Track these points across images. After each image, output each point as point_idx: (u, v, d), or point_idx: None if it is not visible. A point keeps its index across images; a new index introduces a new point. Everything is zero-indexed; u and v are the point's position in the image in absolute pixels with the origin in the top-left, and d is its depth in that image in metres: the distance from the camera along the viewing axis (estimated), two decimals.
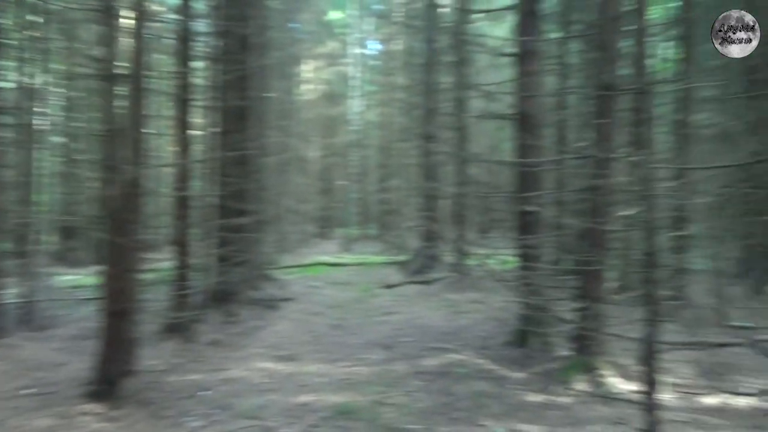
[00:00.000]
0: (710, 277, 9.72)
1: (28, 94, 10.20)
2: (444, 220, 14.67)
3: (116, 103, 5.92)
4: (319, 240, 26.06)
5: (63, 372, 6.65)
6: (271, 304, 10.25)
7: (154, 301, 7.74)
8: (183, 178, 8.71)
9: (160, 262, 8.91)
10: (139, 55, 6.28)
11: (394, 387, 6.13)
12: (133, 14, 6.36)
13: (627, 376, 6.00)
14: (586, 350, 6.22)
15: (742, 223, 10.99)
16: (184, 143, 8.67)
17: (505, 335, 7.66)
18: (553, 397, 5.77)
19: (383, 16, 25.55)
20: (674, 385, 5.91)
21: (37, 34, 10.83)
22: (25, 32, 10.40)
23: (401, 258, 16.52)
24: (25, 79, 10.33)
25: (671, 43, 11.80)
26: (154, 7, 9.32)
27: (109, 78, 5.83)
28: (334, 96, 29.38)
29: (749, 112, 10.76)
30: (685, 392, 5.63)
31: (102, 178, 5.98)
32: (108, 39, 5.81)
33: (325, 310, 10.34)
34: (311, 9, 23.72)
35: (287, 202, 19.37)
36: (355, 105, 25.42)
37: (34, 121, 10.27)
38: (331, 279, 14.07)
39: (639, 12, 7.92)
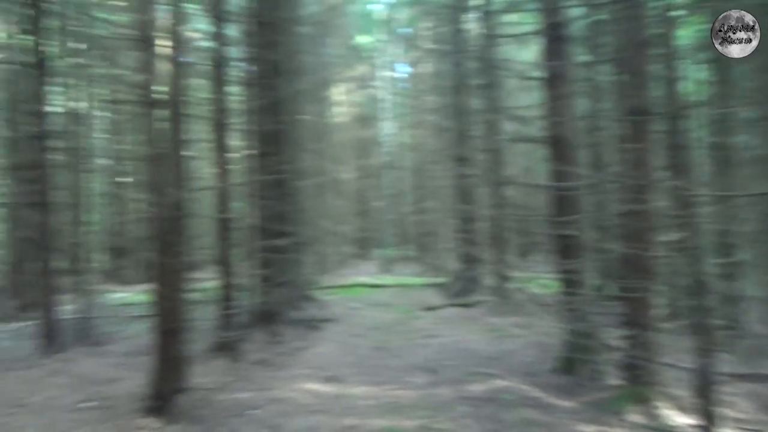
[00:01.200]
0: (764, 305, 9.41)
1: (74, 118, 10.52)
2: (482, 243, 14.59)
3: (157, 127, 6.13)
4: (357, 261, 25.98)
5: (119, 387, 6.88)
6: (313, 325, 10.33)
7: (202, 320, 7.90)
8: (223, 200, 8.94)
9: (205, 282, 9.11)
10: (176, 80, 6.53)
11: (440, 412, 6.10)
12: (169, 42, 6.62)
13: (683, 409, 5.83)
14: (638, 380, 6.08)
15: None
16: (223, 166, 8.91)
17: (550, 362, 7.53)
18: (606, 428, 5.64)
19: (410, 40, 25.84)
20: (734, 419, 5.72)
21: (80, 60, 11.21)
22: (69, 59, 10.79)
23: (440, 280, 16.43)
24: (71, 104, 10.69)
25: (704, 66, 11.65)
26: (189, 34, 9.61)
27: (149, 103, 6.05)
28: (365, 118, 29.74)
29: None
30: (747, 428, 5.44)
31: (148, 200, 6.22)
32: (146, 66, 6.06)
33: (367, 331, 10.35)
34: (340, 34, 24.10)
35: (325, 224, 19.48)
36: (386, 127, 25.68)
37: (81, 145, 10.57)
38: (371, 300, 14.01)
39: (667, 36, 7.90)
